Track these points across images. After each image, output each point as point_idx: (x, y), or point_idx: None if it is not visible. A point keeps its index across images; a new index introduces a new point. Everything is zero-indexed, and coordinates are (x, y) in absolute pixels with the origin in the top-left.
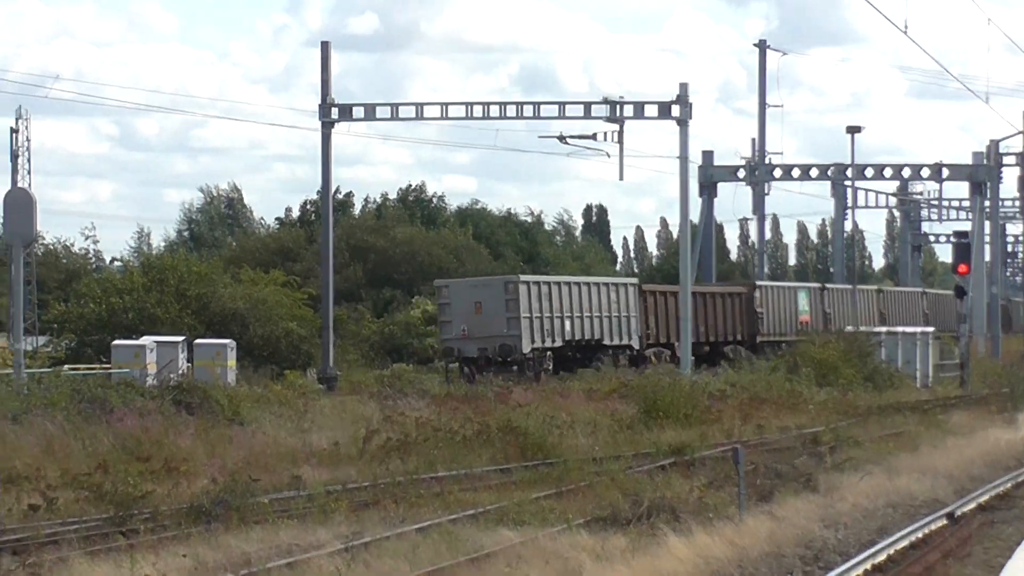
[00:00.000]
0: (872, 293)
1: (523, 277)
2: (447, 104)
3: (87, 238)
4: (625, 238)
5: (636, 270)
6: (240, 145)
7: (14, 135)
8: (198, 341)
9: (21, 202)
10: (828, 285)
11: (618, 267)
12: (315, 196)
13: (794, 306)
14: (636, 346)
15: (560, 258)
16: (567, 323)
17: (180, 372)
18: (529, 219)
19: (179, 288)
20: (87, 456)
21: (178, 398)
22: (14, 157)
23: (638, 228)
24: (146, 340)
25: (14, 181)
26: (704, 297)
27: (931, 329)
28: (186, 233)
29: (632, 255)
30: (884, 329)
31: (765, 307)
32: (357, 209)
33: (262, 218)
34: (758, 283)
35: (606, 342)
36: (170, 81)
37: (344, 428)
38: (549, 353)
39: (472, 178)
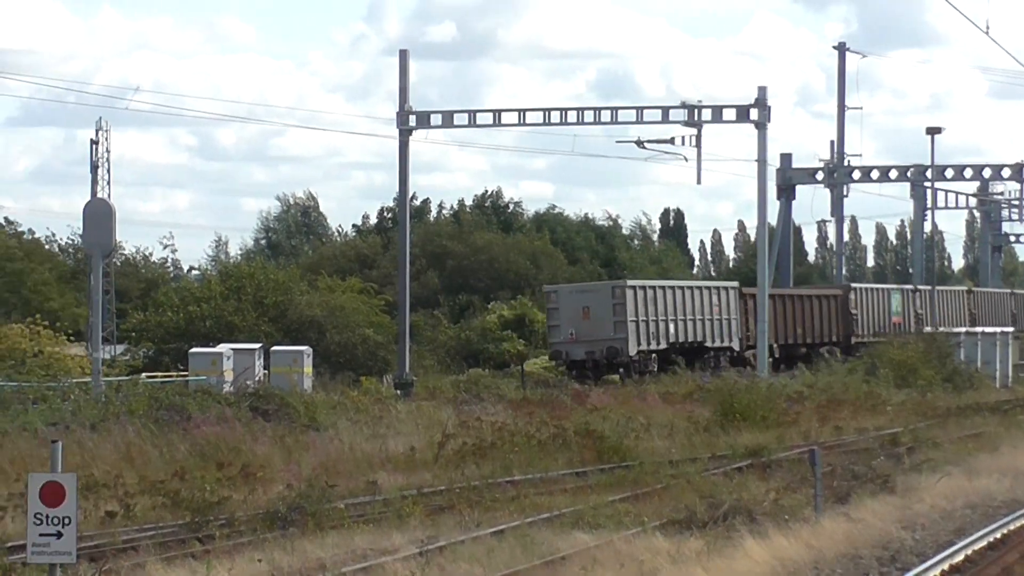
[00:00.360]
0: (962, 294)
1: (629, 282)
2: (524, 110)
3: (165, 247)
4: (702, 241)
5: (713, 273)
6: (317, 153)
7: (94, 147)
8: (275, 348)
9: (100, 213)
10: (920, 287)
11: (695, 271)
12: (392, 203)
13: (887, 307)
14: (736, 348)
15: (637, 262)
16: (671, 326)
17: (257, 379)
18: (607, 224)
19: (256, 296)
20: (164, 463)
21: (255, 405)
22: (94, 168)
23: (715, 231)
24: (223, 348)
25: (94, 192)
26: (801, 299)
27: (1011, 329)
28: (263, 241)
29: (709, 258)
30: (963, 329)
31: (860, 309)
32: (433, 216)
33: (339, 226)
34: (853, 285)
35: (708, 344)
36: (248, 91)
37: (420, 433)
38: (654, 355)
39: (549, 184)
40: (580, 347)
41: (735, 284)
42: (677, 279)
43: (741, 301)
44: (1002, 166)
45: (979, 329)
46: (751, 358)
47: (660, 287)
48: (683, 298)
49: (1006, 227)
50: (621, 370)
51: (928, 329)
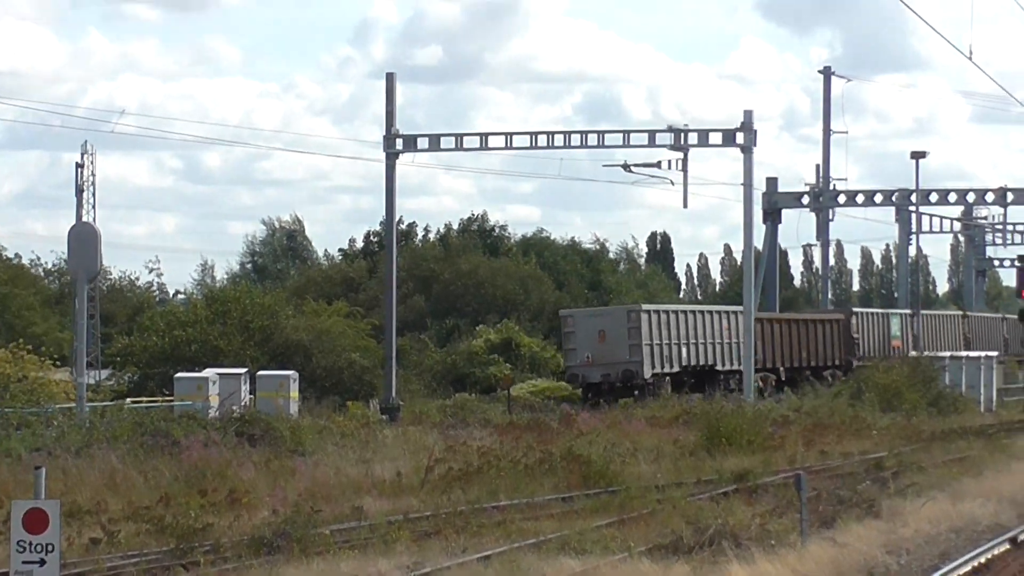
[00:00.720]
0: (957, 318)
1: (644, 306)
2: (511, 134)
3: (151, 271)
4: (689, 265)
5: (699, 297)
6: (304, 177)
7: (79, 170)
8: (261, 373)
9: (86, 236)
10: (922, 311)
11: (681, 294)
12: (379, 227)
13: (887, 331)
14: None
15: (623, 286)
16: (683, 350)
17: (243, 404)
18: (593, 247)
19: (242, 320)
20: (149, 489)
21: (241, 430)
22: (79, 192)
23: (702, 255)
24: (209, 372)
25: (79, 215)
26: (806, 324)
27: (995, 353)
28: (249, 265)
29: (696, 282)
30: (948, 354)
31: (861, 333)
32: (420, 239)
33: (326, 250)
34: (854, 310)
35: (718, 367)
36: (234, 114)
37: (406, 458)
38: (667, 378)
39: (536, 207)
40: (596, 370)
41: (742, 308)
42: (686, 303)
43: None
44: (986, 190)
45: (964, 353)
46: (759, 380)
47: (673, 311)
48: (695, 322)
49: (990, 251)
50: (636, 392)
51: (914, 353)
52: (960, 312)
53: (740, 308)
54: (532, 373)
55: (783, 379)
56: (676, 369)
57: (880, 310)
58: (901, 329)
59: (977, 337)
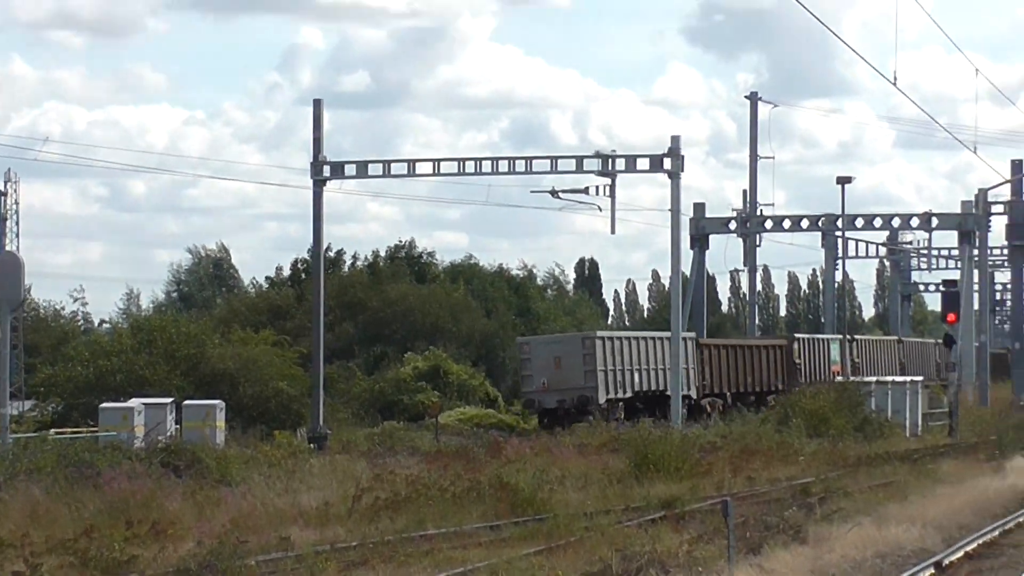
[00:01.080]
0: (893, 343)
1: (599, 333)
2: (439, 160)
3: (76, 300)
4: (617, 291)
5: (627, 324)
6: (230, 204)
7: (2, 198)
8: (187, 402)
9: (9, 266)
10: (857, 336)
11: (610, 321)
12: (306, 254)
13: (827, 357)
14: (694, 396)
15: (551, 313)
16: (636, 375)
17: (168, 434)
18: (521, 274)
19: (168, 349)
20: (73, 521)
21: (166, 460)
22: (2, 220)
23: (630, 281)
24: (134, 402)
25: (2, 245)
26: (750, 349)
27: (920, 378)
28: (175, 294)
29: (624, 308)
30: (874, 379)
31: (802, 358)
32: (347, 266)
33: (253, 278)
34: (796, 336)
35: (669, 392)
36: (160, 141)
37: (334, 487)
38: (621, 403)
39: (464, 234)
40: (552, 396)
41: (692, 335)
42: (637, 331)
43: (698, 351)
44: (911, 216)
45: (889, 378)
46: (707, 405)
47: (626, 338)
48: (646, 348)
49: (915, 276)
50: (591, 417)
51: (840, 379)
52: (895, 338)
53: (688, 334)
54: (461, 401)
55: (729, 403)
56: (629, 394)
57: (820, 336)
58: (840, 354)
59: (911, 362)
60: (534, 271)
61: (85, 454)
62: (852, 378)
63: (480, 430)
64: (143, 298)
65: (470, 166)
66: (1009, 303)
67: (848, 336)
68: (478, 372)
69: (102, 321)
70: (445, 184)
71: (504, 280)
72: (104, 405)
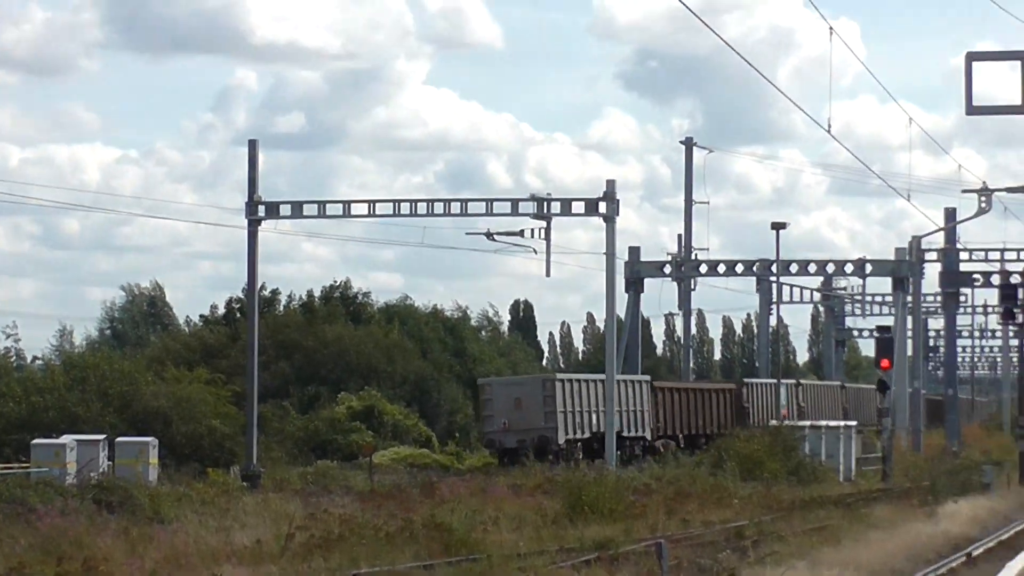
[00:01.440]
0: (837, 389)
1: (559, 376)
2: (374, 202)
3: (8, 336)
4: (551, 333)
5: (562, 365)
6: (164, 243)
7: None
8: (120, 439)
9: None
10: (803, 381)
11: (544, 363)
12: (241, 294)
13: (775, 401)
14: (648, 437)
15: (486, 354)
16: (593, 416)
17: (101, 471)
18: (455, 315)
19: (101, 386)
20: (4, 557)
21: (98, 497)
22: None
23: (564, 323)
24: (66, 439)
25: None
26: (702, 393)
27: (854, 423)
28: (108, 331)
29: (559, 350)
30: (807, 423)
31: (751, 402)
32: (282, 306)
33: (187, 316)
34: (745, 380)
35: (624, 433)
36: (93, 180)
37: (267, 526)
38: (579, 444)
39: (399, 275)
40: (512, 436)
41: (647, 378)
42: (594, 374)
43: (652, 394)
44: (845, 262)
45: (823, 423)
46: (660, 447)
47: (584, 380)
48: (603, 391)
49: (849, 322)
50: (551, 457)
51: (787, 422)
52: (839, 383)
53: (644, 377)
54: (395, 441)
55: (682, 445)
56: (587, 435)
57: (769, 380)
58: (787, 399)
59: (854, 407)
60: (468, 312)
61: (17, 490)
62: (799, 422)
63: (414, 470)
64: (76, 335)
65: (405, 207)
66: (942, 349)
67: (795, 381)
68: (412, 412)
69: (35, 358)
70: (380, 225)
71: (439, 321)
72: (36, 441)
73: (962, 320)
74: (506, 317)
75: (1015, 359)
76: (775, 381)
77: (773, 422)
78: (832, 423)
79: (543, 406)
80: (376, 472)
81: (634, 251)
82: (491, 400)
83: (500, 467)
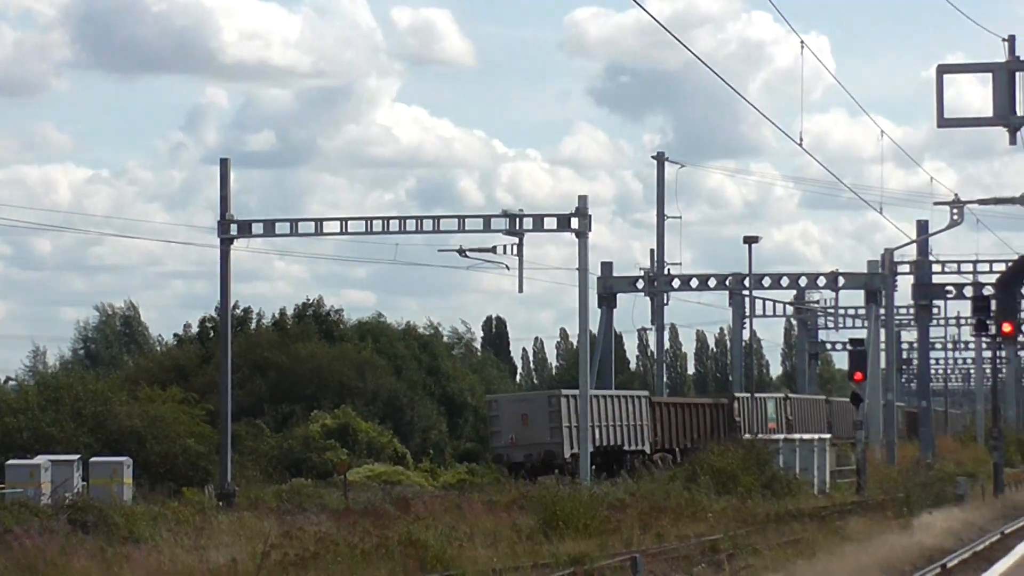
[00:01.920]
0: (822, 403)
1: (564, 392)
2: (346, 219)
3: None
4: (525, 350)
5: (536, 382)
6: (136, 263)
7: None
8: (94, 459)
9: None
10: (791, 395)
11: (518, 379)
12: (213, 312)
13: (764, 414)
14: (648, 450)
15: (459, 371)
16: (597, 431)
17: (75, 491)
18: (428, 332)
19: (75, 407)
20: None
21: (73, 517)
22: None
23: (537, 339)
24: (41, 459)
25: None
26: (695, 407)
27: (828, 436)
28: (82, 352)
29: (532, 366)
30: (781, 436)
31: (742, 416)
32: (255, 325)
33: (160, 335)
34: (736, 395)
35: (625, 447)
36: (65, 200)
37: (242, 544)
38: None
39: (372, 292)
40: (519, 451)
41: (646, 393)
42: (598, 390)
43: (651, 409)
44: (817, 275)
45: (796, 436)
46: (658, 460)
47: (589, 396)
48: (605, 406)
49: (822, 335)
50: (556, 471)
51: (746, 436)
52: (823, 397)
53: (642, 393)
54: (370, 458)
55: (678, 459)
56: (591, 449)
57: (758, 395)
58: (776, 412)
59: (838, 420)
60: (440, 329)
61: None
62: (790, 435)
63: (389, 487)
64: (49, 355)
65: (377, 225)
66: (915, 362)
67: (784, 395)
68: (386, 430)
69: (8, 379)
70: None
71: (413, 338)
72: (11, 462)
73: (935, 332)
74: (479, 333)
75: (988, 371)
76: (765, 395)
77: (761, 436)
78: (806, 436)
79: (549, 421)
80: (351, 489)
81: (607, 266)
82: (498, 416)
83: (510, 481)
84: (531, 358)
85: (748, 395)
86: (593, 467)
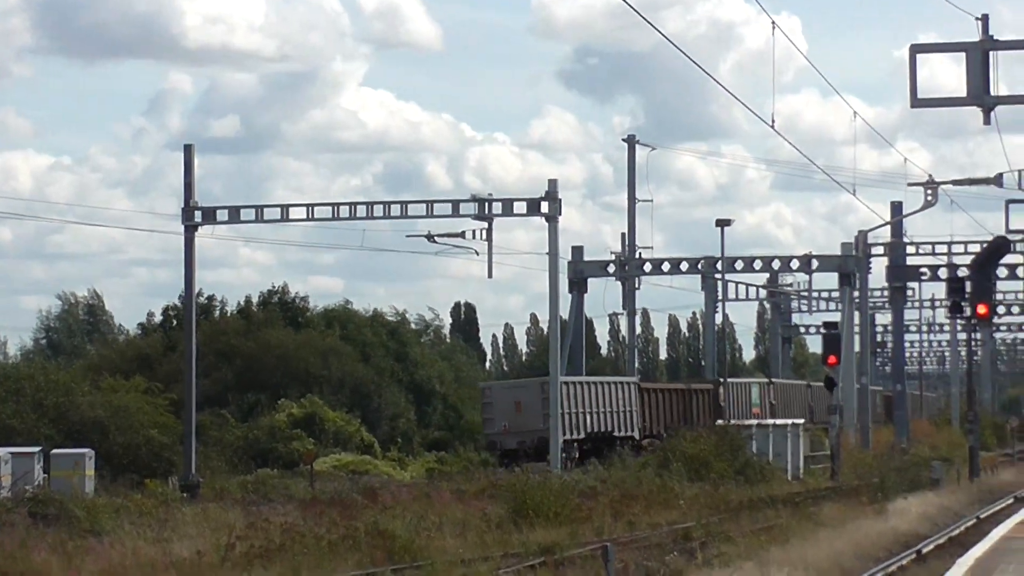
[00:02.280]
0: (803, 387)
1: (559, 378)
2: (312, 205)
3: None
4: (495, 335)
5: (506, 369)
6: (98, 250)
7: None
8: (55, 451)
9: None
10: (775, 380)
11: (488, 366)
12: (177, 300)
13: (749, 399)
14: (637, 436)
15: (428, 358)
16: (587, 418)
17: (36, 483)
18: (395, 319)
19: (36, 397)
20: None
21: (34, 510)
22: None
23: (507, 325)
24: (0, 452)
25: None
26: (682, 392)
27: (801, 421)
28: (43, 341)
29: (502, 353)
30: (755, 422)
31: (727, 401)
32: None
33: (120, 324)
34: (721, 380)
35: (615, 434)
36: (26, 187)
37: (207, 536)
38: (575, 444)
39: (339, 279)
40: (513, 438)
41: (635, 379)
42: (589, 376)
43: (640, 395)
44: (790, 258)
45: (770, 421)
46: (647, 445)
47: (579, 383)
48: (596, 392)
49: (796, 318)
50: (549, 457)
51: (720, 422)
52: (805, 382)
53: (632, 379)
54: (337, 447)
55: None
56: (582, 436)
57: (743, 380)
58: (760, 397)
59: (818, 405)
60: (407, 316)
61: None
62: (771, 420)
63: (356, 476)
64: (10, 345)
65: (344, 211)
66: (890, 345)
67: (767, 379)
68: (354, 418)
69: None
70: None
71: (381, 325)
72: None
73: (910, 315)
74: (448, 320)
75: (963, 353)
76: (749, 380)
77: (747, 421)
78: (779, 421)
79: (542, 408)
80: (317, 480)
81: (577, 251)
82: (491, 403)
83: (501, 467)
84: (501, 344)
85: (734, 380)
86: (577, 455)
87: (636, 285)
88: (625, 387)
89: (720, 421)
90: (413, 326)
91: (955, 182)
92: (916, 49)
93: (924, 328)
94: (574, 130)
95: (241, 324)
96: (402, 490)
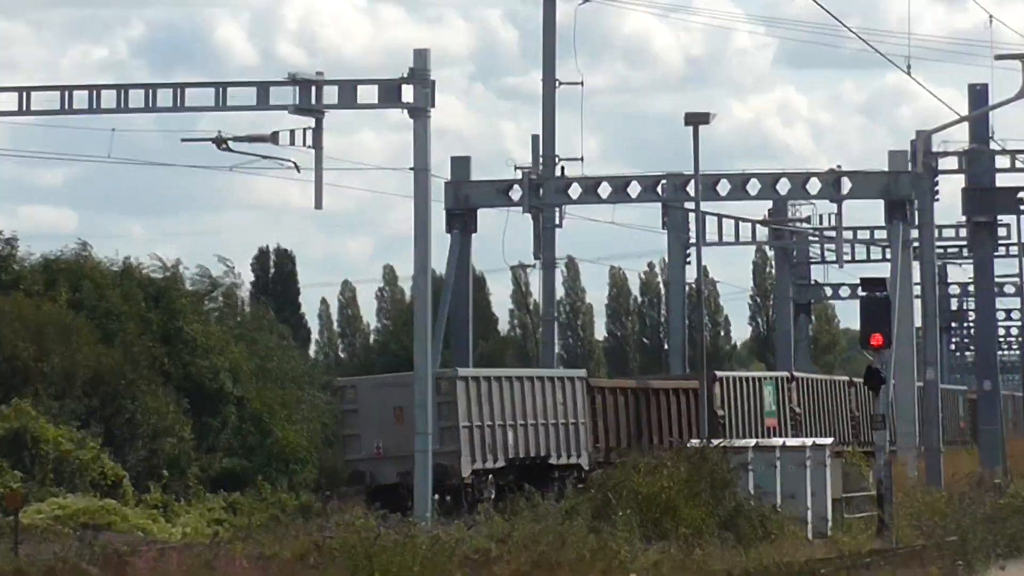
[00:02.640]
0: (844, 384)
1: (461, 372)
2: (28, 89)
3: None
4: (325, 300)
5: (342, 352)
6: None
7: None
8: None
9: None
10: (798, 374)
11: (312, 350)
12: None
13: (759, 404)
14: (586, 466)
15: (214, 338)
16: (510, 434)
17: None
18: (162, 274)
19: None
20: None
21: None
22: None
23: (347, 284)
24: None
25: None
26: (650, 395)
27: (828, 441)
28: None
29: (337, 329)
30: (752, 443)
31: (727, 407)
32: None
33: None
34: (718, 374)
35: (552, 460)
36: None
37: None
38: (491, 477)
39: (70, 210)
40: (390, 465)
41: (582, 373)
42: (498, 368)
43: (588, 397)
44: (807, 175)
45: (778, 441)
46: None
47: (497, 377)
48: (521, 395)
49: (816, 273)
50: (448, 498)
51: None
52: (846, 378)
53: (578, 372)
54: (60, 486)
55: None
56: (502, 463)
57: (751, 374)
58: (778, 402)
59: (868, 415)
60: (182, 271)
61: None
62: (780, 439)
63: (92, 533)
64: None
65: (81, 98)
66: (972, 317)
67: (788, 373)
68: (90, 437)
69: None
70: (40, 128)
71: (138, 285)
72: None
73: (1003, 267)
74: (248, 276)
75: None
76: (760, 374)
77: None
78: (791, 442)
79: (438, 418)
80: (25, 540)
81: (460, 163)
82: (356, 411)
83: (371, 510)
84: (335, 316)
85: (735, 374)
86: (493, 495)
87: (557, 221)
88: (567, 385)
89: (738, 441)
90: (190, 286)
91: None
92: None
93: None
94: None
95: None
96: (169, 557)
